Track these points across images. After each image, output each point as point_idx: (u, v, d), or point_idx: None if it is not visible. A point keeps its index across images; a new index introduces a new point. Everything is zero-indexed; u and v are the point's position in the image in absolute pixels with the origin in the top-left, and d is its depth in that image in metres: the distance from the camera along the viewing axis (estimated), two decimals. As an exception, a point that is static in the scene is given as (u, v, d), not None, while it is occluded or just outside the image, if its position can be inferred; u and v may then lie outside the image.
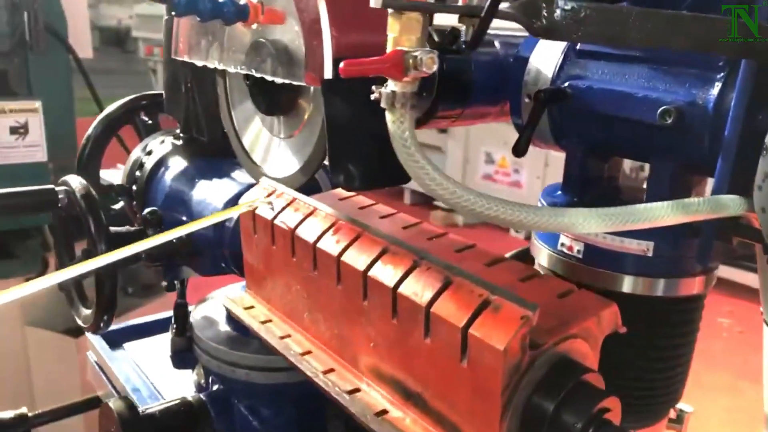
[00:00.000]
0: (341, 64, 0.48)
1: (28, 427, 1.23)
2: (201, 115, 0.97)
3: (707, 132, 0.71)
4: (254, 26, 0.68)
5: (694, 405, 0.92)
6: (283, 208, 0.73)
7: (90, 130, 1.09)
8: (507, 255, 1.14)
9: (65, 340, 2.40)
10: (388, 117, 0.53)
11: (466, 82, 0.88)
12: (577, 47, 0.85)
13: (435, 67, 0.50)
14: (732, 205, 0.66)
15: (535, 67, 0.88)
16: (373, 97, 0.54)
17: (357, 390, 0.64)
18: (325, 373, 0.67)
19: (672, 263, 0.79)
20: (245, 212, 0.77)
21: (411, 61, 0.49)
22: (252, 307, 0.80)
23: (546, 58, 0.87)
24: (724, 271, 3.48)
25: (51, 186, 0.87)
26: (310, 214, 0.71)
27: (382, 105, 0.53)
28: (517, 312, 0.50)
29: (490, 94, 0.93)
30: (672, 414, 0.94)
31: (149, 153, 1.03)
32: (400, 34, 0.50)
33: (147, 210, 0.86)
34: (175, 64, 0.97)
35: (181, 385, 1.10)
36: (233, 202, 0.88)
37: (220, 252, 0.88)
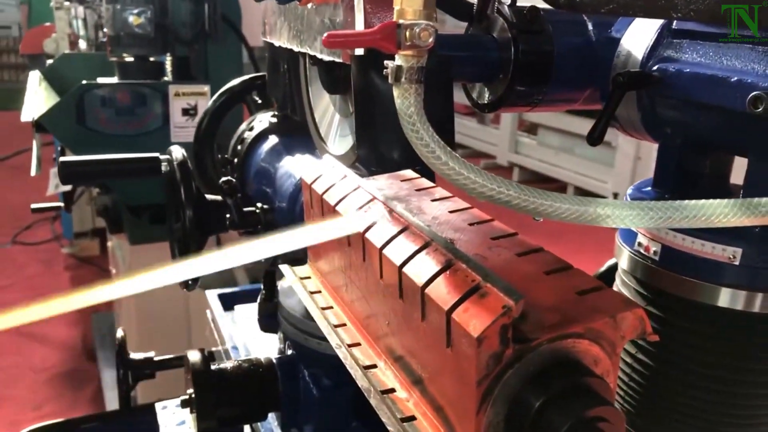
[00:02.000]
0: (324, 35, 0.48)
1: (153, 369, 1.39)
2: (295, 95, 1.02)
3: (812, 122, 0.60)
4: (311, 6, 0.71)
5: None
6: (334, 184, 0.75)
7: (208, 105, 1.20)
8: (602, 268, 1.05)
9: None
10: (395, 92, 0.52)
11: (545, 64, 0.83)
12: (673, 26, 0.77)
13: (431, 40, 0.48)
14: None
15: (626, 49, 0.81)
16: (384, 72, 0.53)
17: (373, 366, 0.65)
18: (350, 346, 0.68)
19: (765, 274, 0.69)
20: (305, 185, 0.80)
21: (407, 33, 0.48)
22: (308, 278, 0.84)
23: (638, 39, 0.80)
24: None
25: (156, 154, 0.98)
26: (353, 191, 0.72)
27: (389, 80, 0.52)
28: (502, 301, 0.47)
29: (575, 78, 0.87)
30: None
31: (251, 129, 1.11)
32: (402, 5, 0.49)
33: (223, 179, 0.93)
34: (275, 47, 1.03)
35: (270, 348, 1.18)
36: (310, 177, 0.92)
37: (294, 225, 0.93)
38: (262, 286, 1.11)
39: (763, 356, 0.71)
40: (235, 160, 1.10)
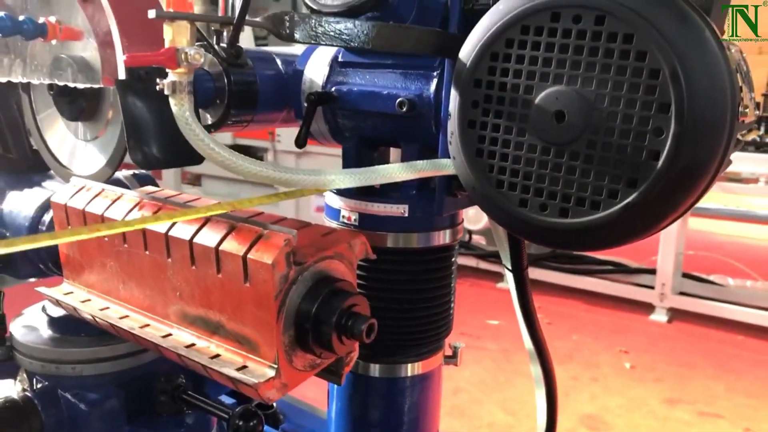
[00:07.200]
0: (124, 57, 0.63)
1: None
2: (6, 133, 1.04)
3: (433, 117, 0.94)
4: (53, 42, 0.80)
5: (512, 375, 1.09)
6: (93, 198, 0.85)
7: None
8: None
9: None
10: (172, 101, 0.69)
11: (252, 91, 1.06)
12: (339, 59, 1.06)
13: (202, 60, 0.67)
14: (448, 165, 0.89)
15: (309, 77, 1.08)
16: (158, 87, 0.69)
17: (169, 335, 0.77)
18: (142, 327, 0.79)
19: (423, 221, 1.01)
20: (57, 206, 0.87)
21: (183, 55, 0.65)
22: (71, 293, 0.89)
23: (317, 69, 1.07)
24: (534, 273, 4.07)
25: None
26: (118, 198, 0.83)
27: (166, 92, 0.68)
28: (282, 237, 0.68)
29: (275, 102, 1.11)
30: (449, 351, 1.16)
31: (-45, 174, 1.07)
32: (173, 36, 0.66)
33: (-42, 214, 0.91)
34: (-23, 89, 1.03)
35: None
36: (45, 207, 0.97)
37: (37, 252, 0.96)
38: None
39: (432, 277, 1.04)
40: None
